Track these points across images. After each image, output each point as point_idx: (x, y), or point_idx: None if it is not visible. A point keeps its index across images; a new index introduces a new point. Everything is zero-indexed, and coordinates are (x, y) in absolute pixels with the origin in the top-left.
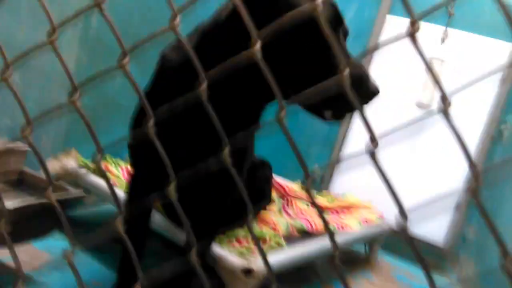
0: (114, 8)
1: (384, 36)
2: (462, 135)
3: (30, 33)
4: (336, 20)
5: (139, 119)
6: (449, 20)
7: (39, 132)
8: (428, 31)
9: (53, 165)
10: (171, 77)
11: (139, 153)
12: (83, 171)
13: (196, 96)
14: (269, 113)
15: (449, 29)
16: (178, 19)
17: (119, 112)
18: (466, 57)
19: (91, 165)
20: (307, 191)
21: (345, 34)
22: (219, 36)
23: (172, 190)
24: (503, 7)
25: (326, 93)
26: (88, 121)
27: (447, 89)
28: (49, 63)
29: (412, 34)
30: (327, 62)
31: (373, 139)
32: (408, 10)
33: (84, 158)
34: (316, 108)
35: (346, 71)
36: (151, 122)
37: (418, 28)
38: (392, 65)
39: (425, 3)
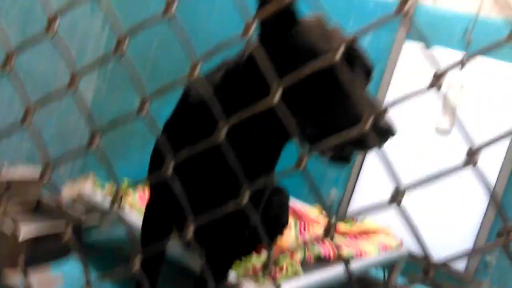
0: (133, 38)
1: (401, 63)
2: (495, 192)
3: (50, 65)
4: (355, 58)
5: (159, 152)
6: (468, 46)
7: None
8: (447, 56)
9: (71, 190)
10: (192, 112)
11: (158, 181)
12: (99, 195)
13: (216, 141)
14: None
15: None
16: (198, 69)
17: (136, 137)
18: (486, 82)
19: (107, 187)
20: (324, 209)
21: (368, 71)
22: (240, 77)
23: (190, 233)
24: None
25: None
26: (109, 163)
27: (467, 115)
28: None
29: (438, 87)
30: (345, 107)
31: (399, 194)
32: (432, 63)
33: (101, 181)
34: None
35: (369, 122)
36: (170, 168)
37: (442, 83)
38: (411, 89)
39: (442, 34)
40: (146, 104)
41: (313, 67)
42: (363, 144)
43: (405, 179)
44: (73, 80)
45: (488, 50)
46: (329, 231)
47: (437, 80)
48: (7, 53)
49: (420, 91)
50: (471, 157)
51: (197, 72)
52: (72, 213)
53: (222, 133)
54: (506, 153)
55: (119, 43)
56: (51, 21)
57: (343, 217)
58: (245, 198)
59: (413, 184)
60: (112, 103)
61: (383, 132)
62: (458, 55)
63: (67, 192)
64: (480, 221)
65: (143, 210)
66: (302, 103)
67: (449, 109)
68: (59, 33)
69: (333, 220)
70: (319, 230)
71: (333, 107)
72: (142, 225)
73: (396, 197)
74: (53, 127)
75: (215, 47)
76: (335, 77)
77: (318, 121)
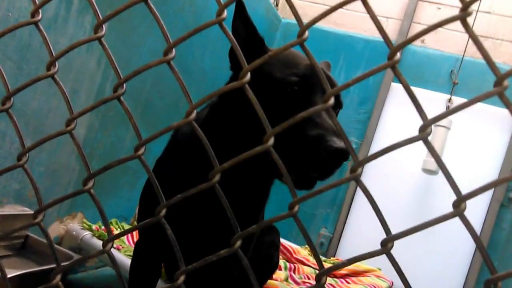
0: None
1: (388, 103)
2: (480, 240)
3: (44, 101)
4: (308, 81)
5: (149, 191)
6: (453, 89)
7: (46, 194)
8: (433, 98)
9: (58, 228)
10: (182, 149)
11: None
12: (86, 235)
13: (210, 186)
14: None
15: (454, 97)
16: (194, 114)
17: (127, 174)
18: (471, 124)
19: (95, 228)
20: (316, 257)
21: (338, 105)
22: (220, 109)
23: (181, 280)
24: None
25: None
26: (101, 208)
27: (452, 156)
28: (60, 127)
29: (425, 138)
30: (301, 131)
31: (390, 240)
32: (421, 116)
33: (89, 221)
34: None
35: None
36: (163, 212)
37: (430, 133)
38: (397, 129)
39: (429, 73)
40: (141, 148)
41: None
42: (319, 168)
43: (395, 219)
44: (71, 122)
45: (471, 104)
46: (319, 281)
47: (423, 131)
48: (6, 95)
49: (407, 141)
50: (457, 208)
51: (193, 116)
52: (60, 252)
53: (216, 177)
54: (493, 191)
55: (116, 88)
56: (51, 63)
57: (333, 255)
58: (237, 244)
59: (402, 233)
60: (104, 139)
61: (335, 155)
62: (444, 96)
63: (54, 230)
64: (469, 263)
65: (131, 250)
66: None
67: (435, 151)
68: (58, 73)
69: (323, 270)
70: (308, 271)
71: (292, 132)
72: (131, 265)
73: (386, 245)
74: (43, 163)
75: (211, 93)
76: (293, 103)
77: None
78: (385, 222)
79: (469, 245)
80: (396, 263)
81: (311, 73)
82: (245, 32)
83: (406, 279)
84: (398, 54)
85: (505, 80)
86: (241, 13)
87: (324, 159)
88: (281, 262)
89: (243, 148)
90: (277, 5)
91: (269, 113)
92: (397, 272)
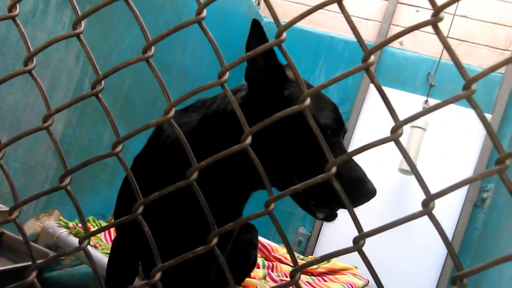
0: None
1: (367, 103)
2: (447, 237)
3: (21, 97)
4: (339, 123)
5: (127, 188)
6: (430, 90)
7: (22, 191)
8: (410, 100)
9: (34, 226)
10: (165, 152)
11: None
12: (63, 232)
13: (187, 184)
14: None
15: (430, 99)
16: (172, 111)
17: (105, 172)
18: (446, 126)
19: (71, 225)
20: (291, 254)
21: (344, 133)
22: (224, 123)
23: (157, 277)
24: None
25: (317, 192)
26: (78, 205)
27: (427, 157)
28: (37, 123)
29: (396, 139)
30: (319, 160)
31: (361, 237)
32: (393, 117)
33: (66, 218)
34: (308, 208)
35: (333, 169)
36: (140, 209)
37: (401, 133)
38: (374, 130)
39: (406, 75)
40: (119, 145)
41: (284, 113)
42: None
43: (372, 219)
44: (48, 118)
45: (441, 106)
46: (293, 277)
47: (395, 132)
48: None
49: (379, 142)
50: (426, 207)
51: (171, 114)
52: (36, 249)
53: (194, 175)
54: (467, 192)
55: (94, 85)
56: (29, 58)
57: (311, 253)
58: (214, 241)
59: (373, 231)
60: (82, 136)
61: (366, 194)
62: (421, 98)
63: (30, 228)
64: (443, 262)
65: (109, 247)
66: (277, 151)
67: (410, 152)
68: (35, 69)
69: (297, 267)
70: (286, 269)
71: (308, 160)
72: (108, 262)
73: (358, 242)
74: (19, 159)
75: (191, 91)
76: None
77: (292, 169)
78: (357, 219)
79: (443, 245)
80: (368, 260)
81: (338, 114)
82: (263, 56)
83: (377, 275)
84: (372, 57)
85: (473, 84)
86: (257, 35)
87: (362, 199)
88: (259, 260)
89: (231, 165)
90: (258, 4)
91: (301, 150)
92: (368, 268)
